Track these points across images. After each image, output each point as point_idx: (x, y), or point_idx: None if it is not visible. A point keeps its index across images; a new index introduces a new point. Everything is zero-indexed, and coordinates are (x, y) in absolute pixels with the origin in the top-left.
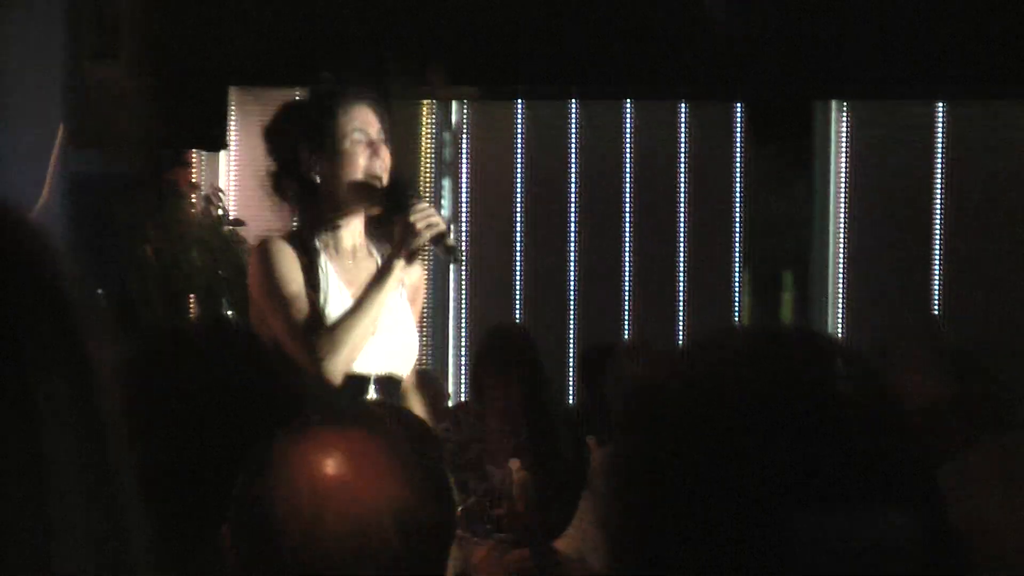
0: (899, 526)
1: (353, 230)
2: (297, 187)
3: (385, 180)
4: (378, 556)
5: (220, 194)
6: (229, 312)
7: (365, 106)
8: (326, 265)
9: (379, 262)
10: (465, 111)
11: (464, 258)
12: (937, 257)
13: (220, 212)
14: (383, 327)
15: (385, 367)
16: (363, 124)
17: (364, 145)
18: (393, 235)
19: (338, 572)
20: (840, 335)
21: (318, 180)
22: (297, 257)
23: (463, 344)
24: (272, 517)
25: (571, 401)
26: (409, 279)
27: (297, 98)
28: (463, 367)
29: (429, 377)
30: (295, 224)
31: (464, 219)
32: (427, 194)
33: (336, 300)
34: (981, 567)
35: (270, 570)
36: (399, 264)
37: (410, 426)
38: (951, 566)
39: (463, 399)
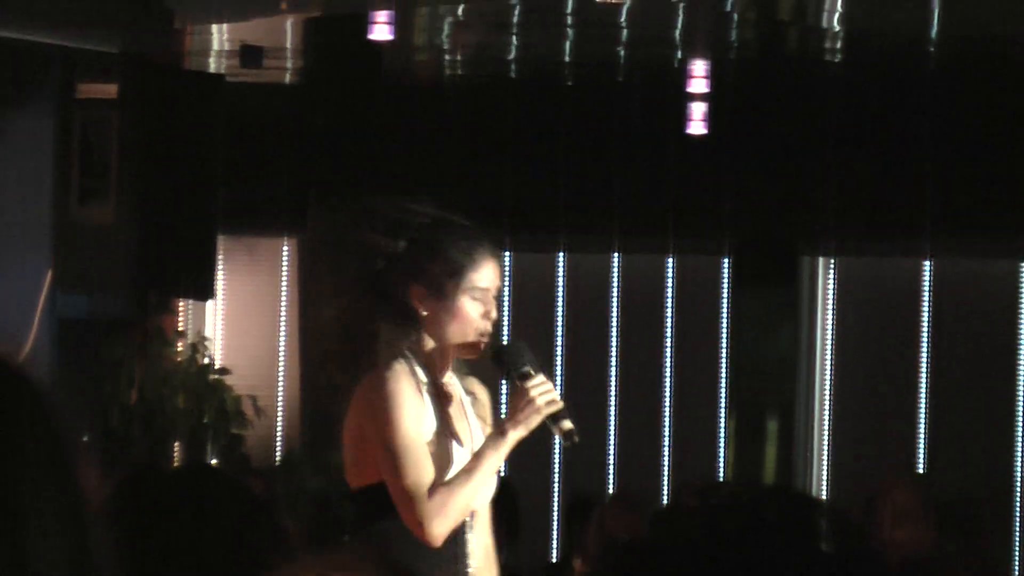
0: None
1: (444, 367)
2: (397, 313)
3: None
4: None
5: (206, 342)
6: (213, 460)
7: (494, 262)
8: (428, 403)
9: (462, 397)
10: None
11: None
12: (922, 410)
13: (206, 360)
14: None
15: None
16: (489, 283)
17: (483, 304)
18: (511, 404)
19: None
20: (825, 486)
21: (424, 313)
22: (417, 397)
23: None
24: None
25: (554, 552)
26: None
27: (416, 219)
28: None
29: None
30: (400, 357)
31: None
32: None
33: (440, 442)
34: None
35: None
36: (514, 435)
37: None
38: None
39: None
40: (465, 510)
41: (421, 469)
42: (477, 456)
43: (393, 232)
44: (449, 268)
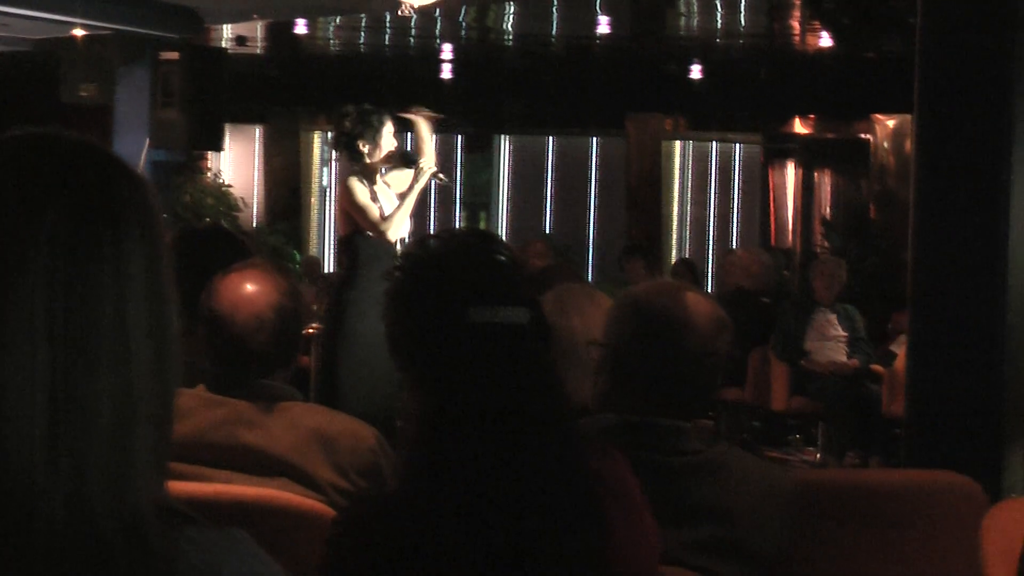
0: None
1: (378, 173)
2: (353, 154)
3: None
4: None
5: (220, 171)
6: (225, 224)
7: (391, 123)
8: (376, 188)
9: (389, 187)
10: None
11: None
12: (549, 200)
13: (220, 180)
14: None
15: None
16: (389, 134)
17: (387, 144)
18: (413, 173)
19: None
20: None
21: (364, 150)
22: (365, 186)
23: None
24: None
25: None
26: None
27: (353, 115)
28: None
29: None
30: (354, 174)
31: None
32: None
33: (388, 203)
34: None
35: None
36: (417, 187)
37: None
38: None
39: None
40: (403, 222)
41: (371, 210)
42: (406, 198)
43: (355, 117)
44: (375, 129)
